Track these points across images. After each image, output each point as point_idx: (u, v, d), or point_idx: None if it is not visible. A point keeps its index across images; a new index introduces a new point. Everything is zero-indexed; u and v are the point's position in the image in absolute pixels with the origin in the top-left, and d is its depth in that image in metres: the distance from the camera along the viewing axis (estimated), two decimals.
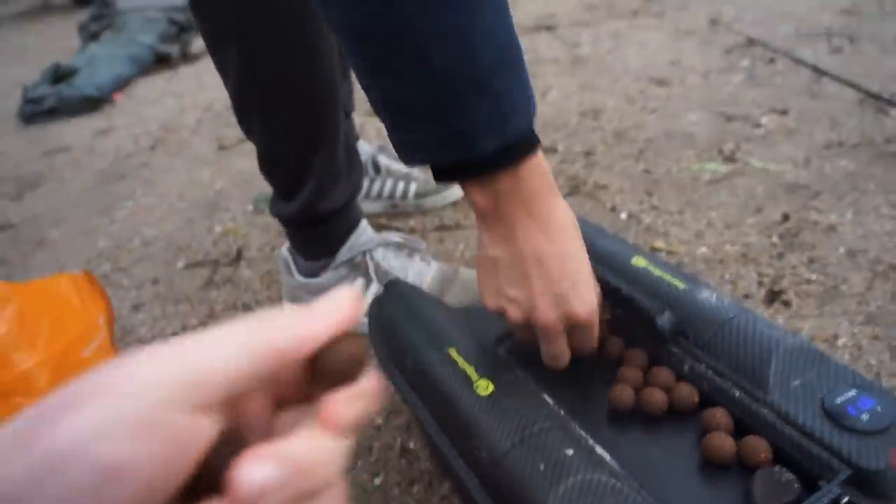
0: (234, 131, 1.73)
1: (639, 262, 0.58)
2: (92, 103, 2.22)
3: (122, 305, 1.05)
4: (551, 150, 1.26)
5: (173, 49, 2.81)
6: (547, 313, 0.46)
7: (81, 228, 1.37)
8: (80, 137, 1.96)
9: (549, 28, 2.09)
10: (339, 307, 0.22)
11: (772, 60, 1.47)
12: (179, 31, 2.99)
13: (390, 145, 1.19)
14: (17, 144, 2.01)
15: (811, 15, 1.71)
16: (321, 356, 0.22)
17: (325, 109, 0.75)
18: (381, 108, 0.47)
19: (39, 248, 1.32)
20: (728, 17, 1.80)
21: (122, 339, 0.96)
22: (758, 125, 1.20)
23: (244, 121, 0.76)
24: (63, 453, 0.16)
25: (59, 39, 3.57)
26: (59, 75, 2.39)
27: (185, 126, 1.86)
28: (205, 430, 0.19)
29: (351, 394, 0.22)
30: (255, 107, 0.74)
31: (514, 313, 0.48)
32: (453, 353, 0.53)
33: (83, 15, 3.84)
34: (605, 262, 0.58)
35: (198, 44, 2.90)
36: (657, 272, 0.56)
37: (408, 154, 0.47)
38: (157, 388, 0.18)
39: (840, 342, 0.70)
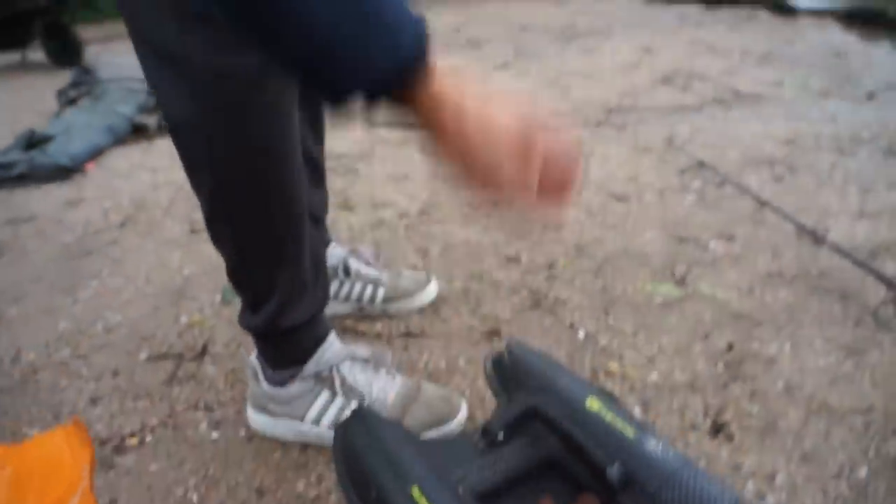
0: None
1: (592, 405, 0.62)
2: (64, 172, 2.22)
3: (80, 397, 1.03)
4: (515, 261, 1.32)
5: (151, 120, 2.86)
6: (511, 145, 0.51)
7: (42, 307, 1.35)
8: (48, 207, 1.95)
9: None
10: None
11: (721, 184, 1.60)
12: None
13: (362, 248, 1.24)
14: None
15: (756, 142, 1.86)
16: None
17: (293, 227, 0.79)
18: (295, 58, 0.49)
19: None
20: (682, 139, 1.95)
21: None
22: (706, 249, 1.29)
23: (213, 234, 0.79)
24: None
25: (35, 101, 3.59)
26: (33, 142, 2.40)
27: (158, 204, 1.88)
28: None
29: None
30: (223, 222, 0.77)
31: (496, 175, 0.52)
32: (416, 492, 0.55)
33: (62, 77, 3.88)
34: (562, 404, 0.62)
35: None
36: (609, 418, 0.60)
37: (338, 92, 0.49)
38: None
39: (777, 481, 0.75)
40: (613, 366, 0.97)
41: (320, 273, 0.87)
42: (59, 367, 1.13)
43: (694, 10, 4.69)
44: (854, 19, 3.61)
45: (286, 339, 0.84)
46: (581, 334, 1.06)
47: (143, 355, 1.13)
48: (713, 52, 3.18)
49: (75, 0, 4.93)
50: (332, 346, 0.87)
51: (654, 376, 0.95)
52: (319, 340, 0.86)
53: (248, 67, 0.65)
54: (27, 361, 1.15)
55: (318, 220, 1.10)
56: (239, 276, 0.82)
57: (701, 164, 1.71)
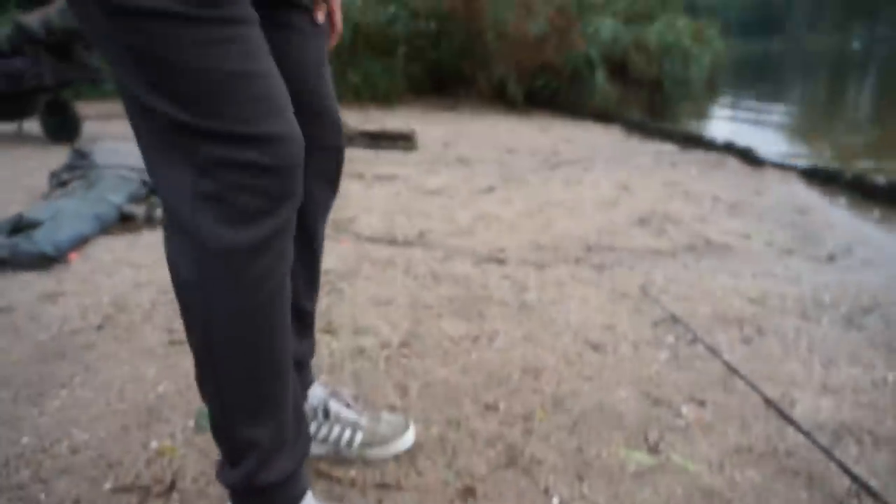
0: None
1: None
2: (46, 261, 2.22)
3: None
4: (493, 409, 1.34)
5: (139, 210, 2.89)
6: None
7: (7, 416, 1.31)
8: (26, 299, 1.93)
9: (500, 261, 2.30)
10: None
11: (692, 341, 1.66)
12: (149, 193, 3.10)
13: (343, 390, 1.25)
14: None
15: (725, 298, 1.96)
16: None
17: (279, 387, 0.82)
18: None
19: None
20: (657, 287, 2.04)
21: None
22: (679, 414, 1.33)
23: (199, 383, 0.82)
24: None
25: (26, 176, 3.62)
26: (20, 227, 2.40)
27: (139, 306, 1.87)
28: None
29: None
30: (209, 374, 0.80)
31: None
32: None
33: (56, 152, 3.94)
34: None
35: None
36: None
37: None
38: None
39: None
40: None
41: (301, 426, 0.89)
42: (16, 492, 1.09)
43: (669, 149, 5.02)
44: (815, 177, 3.90)
45: (263, 499, 0.84)
46: (555, 502, 1.06)
47: (107, 485, 1.10)
48: (686, 196, 3.38)
49: (80, 81, 5.07)
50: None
51: None
52: (296, 501, 0.86)
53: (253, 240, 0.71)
54: None
55: (303, 365, 1.12)
56: (220, 430, 0.83)
57: (674, 319, 1.78)
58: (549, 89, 7.55)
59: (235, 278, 0.72)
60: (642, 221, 2.83)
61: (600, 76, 7.31)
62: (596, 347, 1.63)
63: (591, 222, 2.82)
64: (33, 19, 4.62)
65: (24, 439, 1.24)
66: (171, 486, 1.10)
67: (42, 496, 1.08)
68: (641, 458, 1.18)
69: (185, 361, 1.54)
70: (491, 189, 3.49)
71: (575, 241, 2.54)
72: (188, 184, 0.68)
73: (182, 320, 0.80)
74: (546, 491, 1.09)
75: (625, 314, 1.84)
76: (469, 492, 1.09)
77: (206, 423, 1.27)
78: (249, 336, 0.77)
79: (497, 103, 7.81)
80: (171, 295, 1.99)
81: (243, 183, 0.68)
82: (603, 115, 6.76)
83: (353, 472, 1.13)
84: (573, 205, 3.14)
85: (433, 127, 6.05)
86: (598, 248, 2.46)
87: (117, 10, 0.62)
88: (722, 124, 7.29)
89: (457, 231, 2.65)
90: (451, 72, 8.18)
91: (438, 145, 5.07)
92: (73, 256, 2.33)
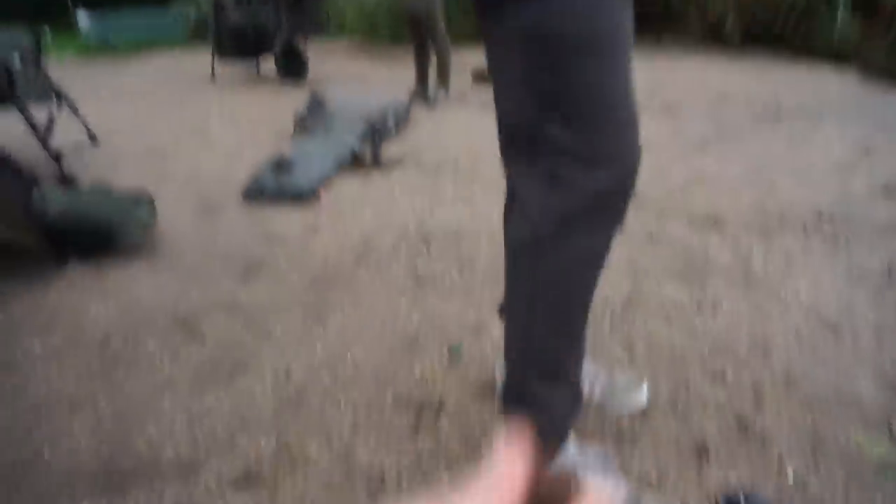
0: (427, 262, 2.00)
1: None
2: (303, 197, 2.61)
3: (344, 424, 1.27)
4: (721, 378, 1.39)
5: (367, 151, 3.23)
6: None
7: (301, 332, 1.64)
8: (294, 230, 2.32)
9: (719, 225, 2.24)
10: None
11: None
12: (373, 135, 3.44)
13: None
14: (242, 224, 2.41)
15: None
16: None
17: (582, 338, 0.97)
18: None
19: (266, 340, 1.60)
20: None
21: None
22: None
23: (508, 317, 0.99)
24: None
25: (268, 113, 4.14)
26: (281, 165, 2.83)
27: (384, 246, 2.15)
28: None
29: None
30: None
31: None
32: None
33: (290, 94, 4.47)
34: None
35: (386, 151, 3.32)
36: None
37: None
38: None
39: None
40: None
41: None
42: (323, 393, 1.38)
43: None
44: None
45: (541, 430, 1.00)
46: (790, 475, 1.11)
47: (388, 398, 1.36)
48: None
49: (309, 29, 5.63)
50: (568, 450, 1.02)
51: None
52: (564, 442, 1.01)
53: None
54: (298, 381, 1.43)
55: None
56: (516, 378, 1.00)
57: None
58: (778, 26, 6.72)
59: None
60: (888, 192, 2.55)
61: (843, 10, 6.33)
62: (832, 328, 1.58)
63: (824, 189, 2.60)
64: None
65: (320, 351, 1.55)
66: (440, 407, 1.32)
67: (342, 398, 1.36)
68: (884, 451, 1.17)
69: (431, 299, 1.78)
70: (704, 144, 3.33)
71: (804, 210, 2.37)
72: None
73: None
74: (780, 460, 1.14)
75: (864, 295, 1.74)
76: (702, 450, 1.17)
77: (459, 355, 1.48)
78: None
79: (709, 42, 7.19)
80: (409, 238, 2.27)
81: None
82: (836, 56, 5.92)
83: (590, 424, 1.27)
84: (801, 168, 2.89)
85: (635, 69, 5.78)
86: (831, 220, 2.29)
87: None
88: None
89: (670, 191, 2.61)
90: (656, 5, 7.61)
91: (643, 91, 4.83)
92: (322, 194, 2.71)
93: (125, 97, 5.32)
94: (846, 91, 4.78)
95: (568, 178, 0.84)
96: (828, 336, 1.55)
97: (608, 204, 0.88)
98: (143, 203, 2.24)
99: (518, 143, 0.93)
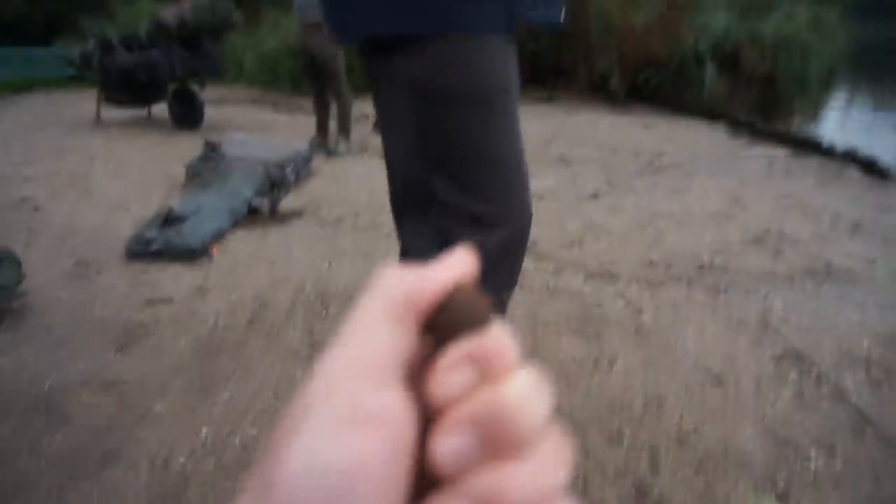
0: (324, 325, 1.92)
1: None
2: (193, 254, 2.46)
3: None
4: (617, 441, 1.40)
5: (264, 203, 3.12)
6: None
7: (186, 404, 1.51)
8: (181, 292, 2.17)
9: (610, 277, 2.33)
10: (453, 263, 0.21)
11: (817, 381, 1.65)
12: (271, 186, 3.34)
13: None
14: (122, 286, 2.22)
15: (851, 334, 1.91)
16: (436, 317, 0.19)
17: None
18: None
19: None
20: (776, 317, 2.01)
21: None
22: (808, 459, 1.34)
23: None
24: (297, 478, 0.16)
25: (159, 162, 3.93)
26: (169, 219, 2.66)
27: (279, 306, 2.06)
28: (407, 406, 0.17)
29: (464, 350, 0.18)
30: None
31: None
32: None
33: (184, 139, 4.27)
34: None
35: (285, 203, 3.23)
36: None
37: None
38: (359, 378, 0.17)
39: None
40: None
41: None
42: (206, 483, 1.26)
43: (781, 155, 4.78)
44: None
45: None
46: None
47: None
48: (803, 211, 3.25)
49: (205, 71, 5.45)
50: None
51: None
52: None
53: None
54: (177, 469, 1.30)
55: None
56: None
57: (798, 356, 1.77)
58: (653, 84, 7.32)
59: None
60: (757, 240, 2.76)
61: (710, 71, 7.00)
62: (717, 380, 1.65)
63: (703, 238, 2.78)
64: (169, 14, 5.00)
65: (204, 429, 1.42)
66: None
67: (227, 486, 1.25)
68: None
69: None
70: (596, 195, 3.49)
71: (687, 259, 2.52)
72: None
73: None
74: None
75: (744, 345, 1.84)
76: None
77: None
78: None
79: (596, 97, 7.67)
80: (306, 297, 2.18)
81: None
82: (708, 113, 6.51)
83: None
84: (682, 217, 3.10)
85: (531, 121, 6.00)
86: (711, 269, 2.44)
87: None
88: (840, 127, 6.84)
89: (566, 242, 2.70)
90: (548, 64, 8.06)
91: (538, 142, 5.07)
92: (214, 251, 2.56)
93: None
94: (717, 145, 5.22)
95: (457, 237, 0.82)
96: (714, 390, 1.61)
97: (500, 264, 0.87)
98: (5, 262, 2.02)
99: (408, 199, 0.91)
